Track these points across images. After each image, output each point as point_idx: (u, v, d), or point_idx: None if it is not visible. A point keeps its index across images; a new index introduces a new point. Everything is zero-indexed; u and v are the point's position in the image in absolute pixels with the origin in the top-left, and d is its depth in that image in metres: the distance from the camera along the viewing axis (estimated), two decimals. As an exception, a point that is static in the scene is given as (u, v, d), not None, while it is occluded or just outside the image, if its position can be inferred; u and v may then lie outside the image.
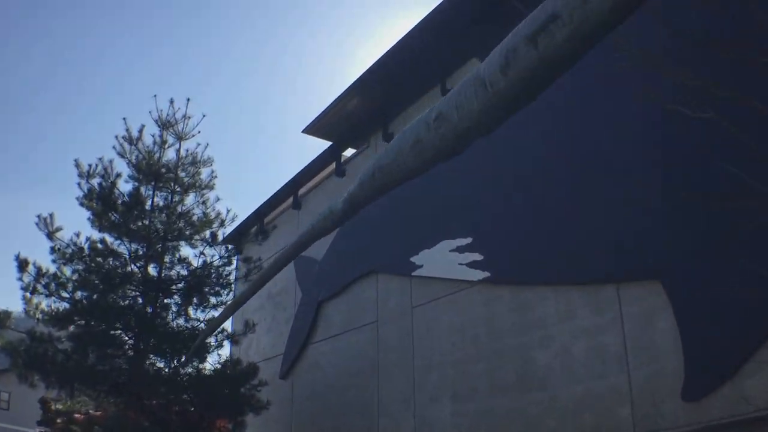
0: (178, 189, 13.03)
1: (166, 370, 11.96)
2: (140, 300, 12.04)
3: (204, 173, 13.32)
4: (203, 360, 12.03)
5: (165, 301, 12.42)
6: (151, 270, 12.56)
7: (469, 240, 11.23)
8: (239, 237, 14.39)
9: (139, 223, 12.47)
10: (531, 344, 9.82)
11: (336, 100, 14.96)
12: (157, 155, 12.92)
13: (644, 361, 8.37)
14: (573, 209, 9.61)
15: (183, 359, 11.58)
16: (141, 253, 12.30)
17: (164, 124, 13.22)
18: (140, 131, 12.93)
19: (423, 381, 11.67)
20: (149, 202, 12.74)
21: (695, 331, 7.80)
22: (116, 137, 12.85)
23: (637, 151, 8.98)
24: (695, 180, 8.07)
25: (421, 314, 12.09)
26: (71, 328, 11.61)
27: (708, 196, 7.54)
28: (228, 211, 13.36)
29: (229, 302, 12.76)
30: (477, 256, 10.99)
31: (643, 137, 8.94)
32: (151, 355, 11.99)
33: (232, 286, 13.16)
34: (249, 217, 17.40)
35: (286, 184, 17.03)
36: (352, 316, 14.09)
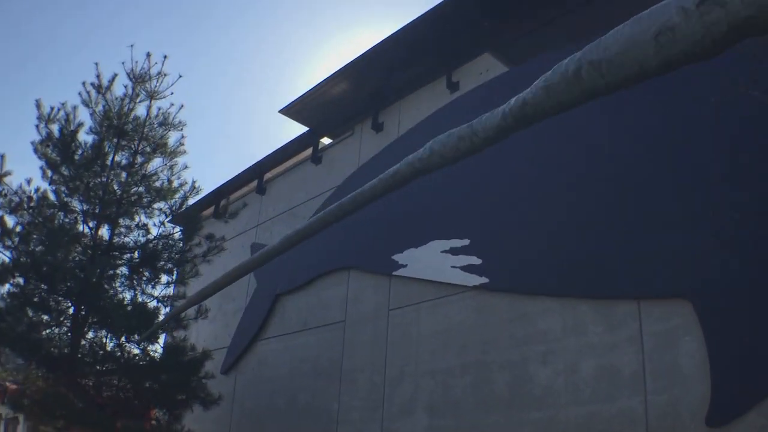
0: (142, 149, 11.60)
1: (111, 347, 10.42)
2: (86, 265, 10.46)
3: (173, 137, 11.96)
4: (154, 341, 10.56)
5: (112, 271, 10.87)
6: (104, 234, 11.05)
7: (465, 242, 10.38)
8: (193, 214, 12.96)
9: (97, 180, 11.00)
10: (529, 359, 9.00)
11: (321, 82, 13.95)
12: (126, 108, 11.48)
13: (664, 383, 7.69)
14: (587, 216, 8.93)
15: (134, 337, 10.09)
16: (95, 212, 10.77)
17: (137, 78, 11.80)
18: (111, 80, 11.48)
19: (395, 390, 10.64)
20: (110, 159, 11.27)
21: (725, 354, 7.21)
22: (83, 84, 11.39)
23: (664, 154, 8.39)
24: (733, 189, 7.54)
25: (399, 318, 11.10)
26: (8, 286, 9.96)
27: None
28: (193, 182, 12.01)
29: (184, 279, 11.40)
30: (474, 260, 10.14)
31: (671, 137, 8.37)
32: (93, 330, 10.44)
33: (195, 262, 11.76)
34: (206, 196, 15.99)
35: (252, 167, 15.79)
36: (314, 313, 12.92)
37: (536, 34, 11.35)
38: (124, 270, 11.18)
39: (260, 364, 13.63)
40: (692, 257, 7.80)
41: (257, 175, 15.87)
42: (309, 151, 14.99)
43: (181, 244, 11.39)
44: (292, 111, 14.74)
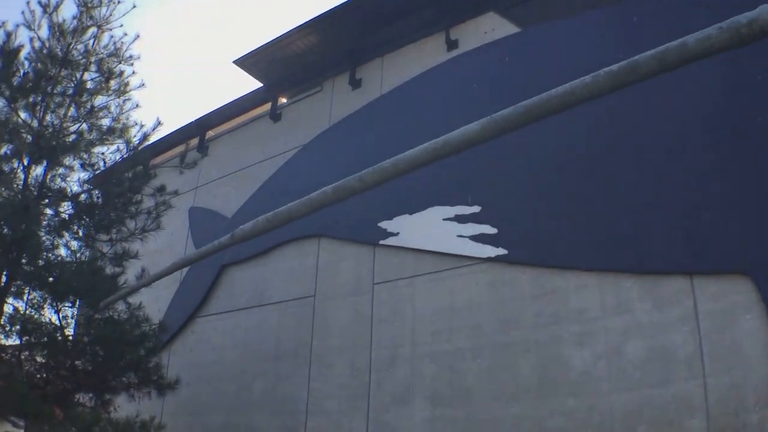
0: (86, 80, 9.46)
1: (49, 314, 8.19)
2: (16, 212, 8.13)
3: (125, 72, 9.86)
4: (102, 312, 8.36)
5: (43, 221, 8.60)
6: (39, 175, 8.78)
7: (475, 209, 9.21)
8: (143, 161, 10.79)
9: (38, 111, 8.82)
10: (562, 340, 7.98)
11: (286, 33, 12.29)
12: (73, 31, 9.31)
13: (725, 365, 6.94)
14: (630, 183, 8.06)
15: (77, 302, 7.95)
16: (29, 148, 8.50)
17: (85, 4, 9.65)
18: (60, 1, 9.30)
19: (385, 376, 9.23)
20: (51, 87, 9.05)
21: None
22: (27, 2, 9.13)
23: (720, 122, 7.71)
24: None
25: (387, 293, 9.71)
26: None
27: None
28: (142, 126, 9.89)
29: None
30: (487, 229, 8.99)
31: (729, 107, 7.70)
32: (27, 293, 8.14)
33: (158, 213, 9.63)
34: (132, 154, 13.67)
35: (193, 123, 13.72)
36: (273, 287, 11.19)
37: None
38: (55, 222, 8.91)
39: (201, 344, 11.65)
40: (752, 231, 7.16)
41: (198, 132, 13.81)
42: (263, 108, 13.21)
43: (130, 195, 9.27)
44: (247, 63, 12.89)
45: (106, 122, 9.50)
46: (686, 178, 7.68)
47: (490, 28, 10.45)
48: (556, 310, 8.14)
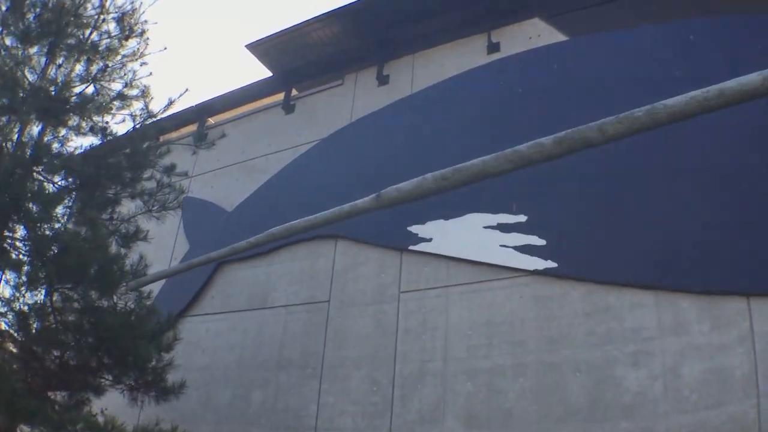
0: (107, 37, 8.47)
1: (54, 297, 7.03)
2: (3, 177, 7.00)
3: (146, 32, 8.91)
4: (109, 298, 7.26)
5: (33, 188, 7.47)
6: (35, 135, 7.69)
7: (521, 218, 8.63)
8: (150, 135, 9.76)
9: (41, 63, 7.80)
10: (615, 361, 7.41)
11: (310, 19, 11.59)
12: None
13: (778, 385, 6.59)
14: (691, 202, 7.66)
15: (81, 286, 6.87)
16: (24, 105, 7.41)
17: None
18: None
19: (410, 392, 8.43)
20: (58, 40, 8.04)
21: None
22: None
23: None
24: None
25: (416, 303, 8.96)
26: None
27: None
28: (152, 98, 8.89)
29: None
30: (534, 240, 8.41)
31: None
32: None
33: (181, 189, 8.66)
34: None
35: (193, 107, 12.73)
36: (280, 289, 10.26)
37: (596, 9, 10.09)
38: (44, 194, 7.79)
39: (190, 346, 10.51)
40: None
41: (198, 117, 12.83)
42: (275, 98, 12.40)
43: (139, 170, 8.28)
44: (260, 49, 12.08)
45: (117, 86, 8.51)
46: (748, 199, 7.35)
47: (535, 34, 10.03)
48: (609, 329, 7.59)
